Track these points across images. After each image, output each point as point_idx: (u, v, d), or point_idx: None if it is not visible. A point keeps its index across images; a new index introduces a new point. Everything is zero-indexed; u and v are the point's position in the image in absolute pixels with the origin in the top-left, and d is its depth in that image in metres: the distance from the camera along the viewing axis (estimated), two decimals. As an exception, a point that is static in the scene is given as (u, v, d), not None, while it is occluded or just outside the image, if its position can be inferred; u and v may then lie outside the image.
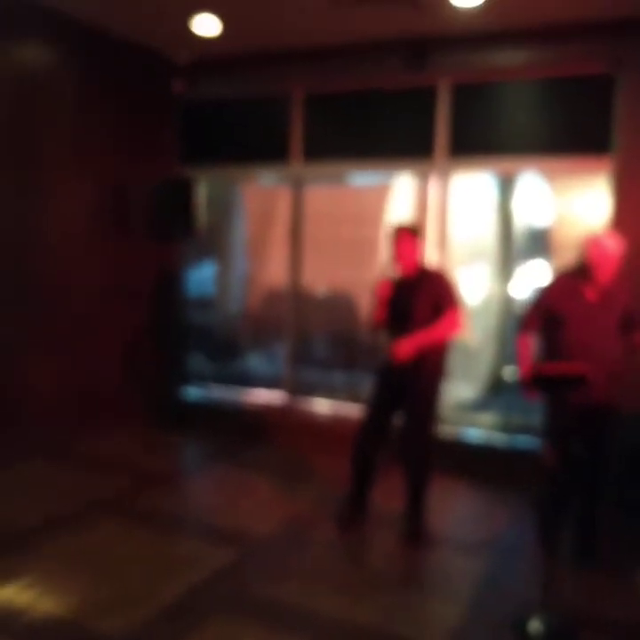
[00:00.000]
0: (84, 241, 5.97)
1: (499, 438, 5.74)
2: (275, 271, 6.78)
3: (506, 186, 6.29)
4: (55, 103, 5.68)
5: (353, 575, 3.90)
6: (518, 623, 3.32)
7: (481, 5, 4.81)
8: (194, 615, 3.34)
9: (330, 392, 6.49)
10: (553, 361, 4.00)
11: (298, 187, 6.49)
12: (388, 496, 4.68)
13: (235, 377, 7.05)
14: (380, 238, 6.26)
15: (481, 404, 6.24)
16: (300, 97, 6.33)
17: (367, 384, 4.55)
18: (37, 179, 5.56)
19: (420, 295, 4.24)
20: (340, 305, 6.57)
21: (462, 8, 4.89)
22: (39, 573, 3.65)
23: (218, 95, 6.68)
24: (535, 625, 3.27)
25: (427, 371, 4.30)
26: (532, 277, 6.00)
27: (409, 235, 4.32)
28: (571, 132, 5.37)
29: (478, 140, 5.68)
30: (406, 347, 4.16)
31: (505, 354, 6.20)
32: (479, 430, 5.87)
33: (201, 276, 7.37)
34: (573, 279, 4.04)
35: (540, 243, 6.12)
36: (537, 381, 3.76)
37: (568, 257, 4.45)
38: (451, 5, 4.84)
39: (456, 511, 5.04)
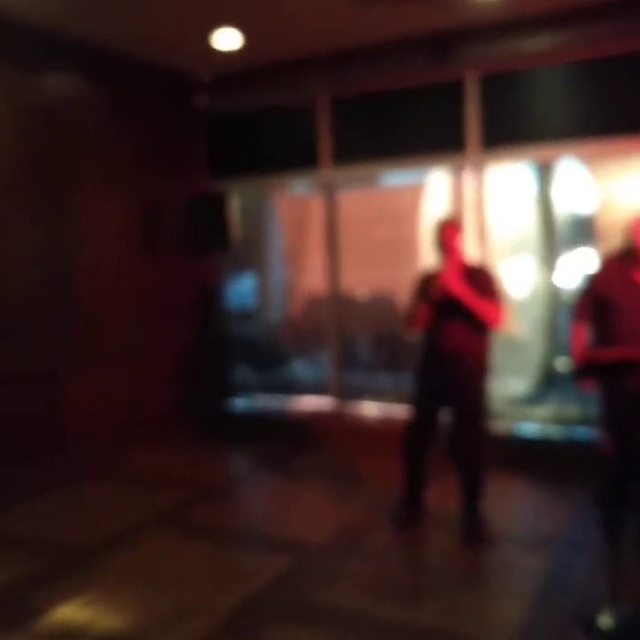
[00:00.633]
0: (122, 260, 6.06)
1: (555, 431, 5.61)
2: (313, 277, 6.77)
3: (544, 174, 6.17)
4: (84, 129, 5.80)
5: (412, 577, 3.85)
6: (587, 619, 3.20)
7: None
8: (255, 624, 3.30)
9: (377, 394, 6.43)
10: (605, 347, 3.89)
11: (330, 192, 6.47)
12: (443, 495, 4.59)
13: (281, 385, 7.05)
14: (417, 237, 6.20)
15: (535, 398, 6.11)
16: (325, 102, 6.32)
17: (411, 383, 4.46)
18: (72, 203, 5.69)
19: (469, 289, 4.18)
20: (380, 306, 6.53)
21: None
22: (99, 590, 3.66)
23: (243, 107, 6.72)
24: (605, 619, 3.15)
25: (471, 366, 4.23)
26: (578, 266, 5.86)
27: (455, 228, 4.27)
28: (606, 113, 5.26)
29: (511, 129, 5.60)
30: (453, 275, 4.07)
31: (556, 345, 6.06)
32: (534, 424, 5.75)
33: (241, 288, 7.40)
34: (620, 263, 3.94)
35: (583, 230, 5.98)
36: (589, 369, 3.66)
37: (614, 242, 4.32)
38: (471, -2, 4.79)
39: (515, 508, 4.92)
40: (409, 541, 4.33)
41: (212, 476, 5.68)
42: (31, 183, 5.42)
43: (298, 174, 6.59)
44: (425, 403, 4.36)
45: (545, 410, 5.89)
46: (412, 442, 4.39)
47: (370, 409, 6.37)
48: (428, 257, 4.35)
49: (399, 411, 5.84)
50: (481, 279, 4.21)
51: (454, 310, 4.14)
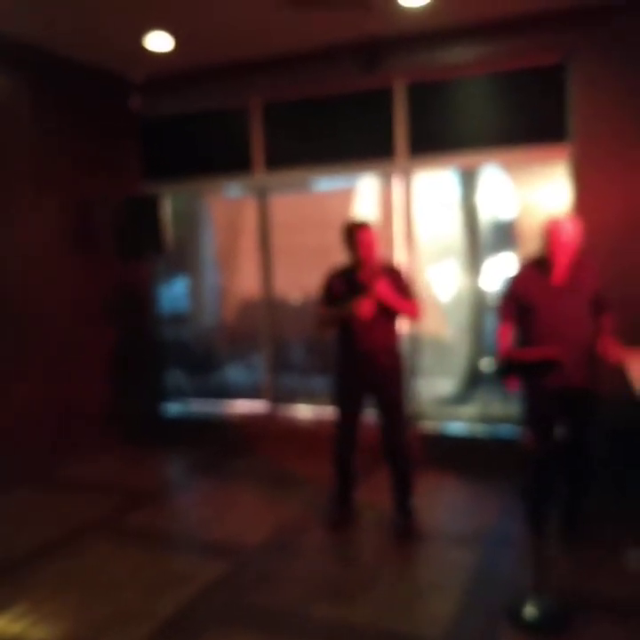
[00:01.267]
0: (51, 264, 5.92)
1: (480, 429, 5.81)
2: (247, 281, 6.80)
3: (468, 180, 6.36)
4: (13, 128, 5.65)
5: (346, 576, 3.92)
6: (513, 610, 3.36)
7: (428, 4, 4.87)
8: (193, 629, 3.34)
9: (310, 397, 6.51)
10: (527, 347, 4.07)
11: (263, 196, 6.51)
12: (372, 493, 4.72)
13: (215, 390, 7.05)
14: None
15: (461, 398, 6.31)
16: (258, 107, 6.35)
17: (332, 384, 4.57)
18: (1, 203, 5.53)
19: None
20: (313, 310, 6.58)
21: (410, 8, 4.94)
22: (32, 601, 3.63)
23: (177, 110, 6.68)
24: (530, 610, 3.31)
25: (390, 362, 4.39)
26: (501, 269, 6.08)
27: (371, 230, 4.33)
28: (527, 122, 5.46)
29: (437, 137, 5.75)
30: (368, 304, 4.16)
31: (481, 346, 6.26)
32: (461, 423, 5.95)
33: (174, 292, 7.36)
34: (537, 266, 4.13)
35: (505, 234, 6.20)
36: (511, 368, 3.83)
37: (533, 246, 4.53)
38: (399, 5, 4.89)
39: (444, 504, 5.07)
40: (342, 541, 4.42)
41: (146, 481, 5.66)
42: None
43: (231, 178, 6.60)
44: (348, 403, 4.45)
45: (470, 409, 6.08)
46: (342, 443, 4.48)
47: (304, 412, 6.45)
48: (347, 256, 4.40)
49: (332, 413, 5.95)
50: (396, 278, 4.34)
51: (377, 312, 4.26)
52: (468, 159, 5.75)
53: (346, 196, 6.45)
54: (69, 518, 4.80)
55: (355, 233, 4.30)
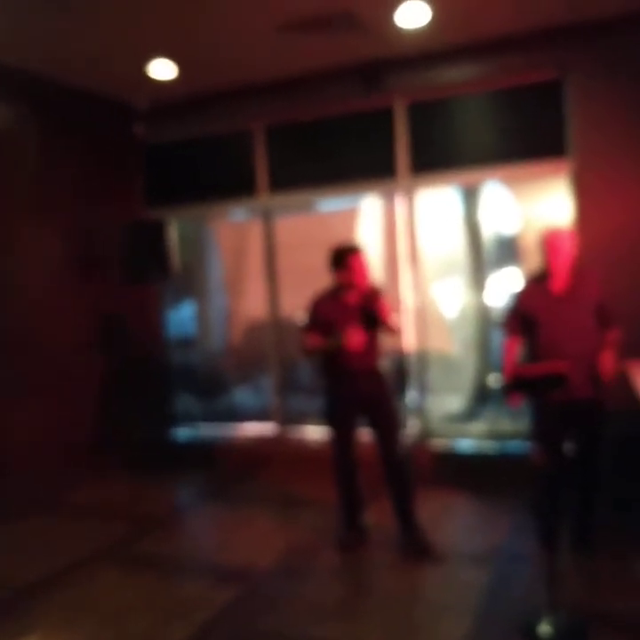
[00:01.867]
0: (54, 292, 5.96)
1: (489, 446, 5.78)
2: (253, 304, 6.82)
3: (470, 197, 6.39)
4: (17, 155, 5.73)
5: (357, 599, 3.90)
6: (527, 629, 3.32)
7: (426, 25, 4.93)
8: (202, 656, 3.32)
9: (319, 419, 6.46)
10: (533, 362, 4.06)
11: (267, 219, 6.56)
12: (382, 515, 4.68)
13: (223, 413, 7.05)
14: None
15: (469, 415, 6.28)
16: (260, 130, 6.42)
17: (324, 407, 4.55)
18: (5, 230, 5.59)
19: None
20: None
21: (408, 29, 5.00)
22: (45, 628, 3.64)
23: (180, 135, 6.76)
24: (544, 628, 3.28)
25: (380, 379, 4.43)
26: (505, 284, 6.08)
27: (362, 254, 4.35)
28: (527, 138, 5.50)
29: (438, 155, 5.79)
30: (358, 334, 4.17)
31: (488, 362, 6.24)
32: (470, 440, 5.92)
33: (181, 316, 7.39)
34: (539, 279, 4.17)
35: (509, 249, 6.21)
36: (517, 384, 3.82)
37: (536, 261, 4.53)
38: (397, 27, 4.95)
39: (455, 523, 5.03)
40: (354, 563, 4.39)
41: (155, 507, 5.65)
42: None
43: (235, 201, 6.65)
44: (344, 424, 4.45)
45: (479, 426, 6.06)
46: (341, 463, 4.48)
47: (312, 433, 6.43)
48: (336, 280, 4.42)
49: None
50: (376, 295, 4.33)
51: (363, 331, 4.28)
52: (469, 176, 5.78)
53: (350, 216, 6.48)
54: (78, 545, 4.79)
55: (347, 258, 4.31)
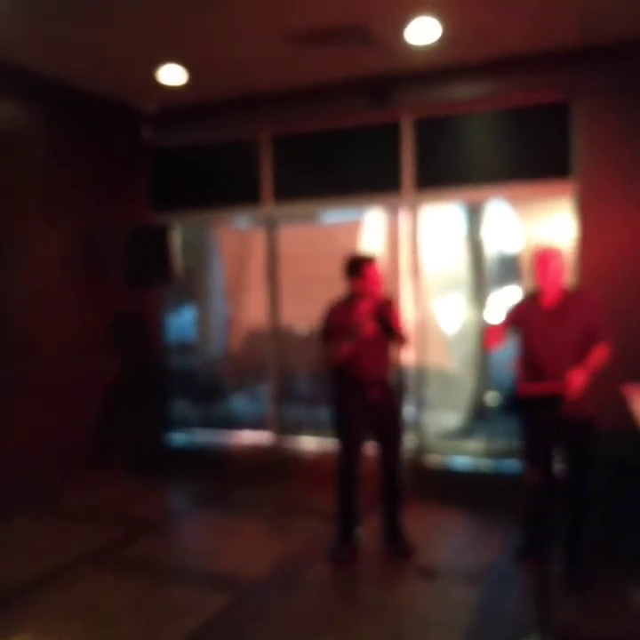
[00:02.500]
0: (58, 293, 5.97)
1: (485, 464, 5.79)
2: (254, 312, 6.83)
3: (474, 215, 6.42)
4: (24, 156, 5.74)
5: (348, 612, 3.89)
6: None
7: (435, 42, 4.96)
8: (190, 663, 3.32)
9: (316, 429, 6.50)
10: (526, 372, 4.14)
11: (271, 227, 6.58)
12: (375, 529, 4.68)
13: (220, 420, 7.06)
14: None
15: (466, 432, 6.29)
16: (267, 139, 6.45)
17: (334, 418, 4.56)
18: (10, 231, 5.59)
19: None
20: (317, 346, 6.60)
21: (418, 46, 5.03)
22: (34, 630, 3.64)
23: (187, 141, 6.79)
24: (533, 648, 3.29)
25: (391, 391, 4.52)
26: (506, 302, 6.10)
27: (377, 264, 4.43)
28: (532, 158, 5.53)
29: (443, 171, 5.81)
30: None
31: (486, 380, 6.25)
32: (465, 458, 5.92)
33: (181, 321, 7.41)
34: (534, 295, 4.27)
35: (510, 268, 6.24)
36: (516, 403, 3.90)
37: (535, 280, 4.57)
38: (406, 43, 4.99)
39: (449, 540, 5.03)
40: (346, 576, 4.39)
41: (149, 511, 5.65)
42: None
43: (240, 209, 6.67)
44: (353, 436, 4.47)
45: (475, 443, 6.06)
46: (346, 476, 4.48)
47: (309, 444, 6.44)
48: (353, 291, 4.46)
49: (335, 446, 5.93)
50: (390, 304, 4.45)
51: (374, 341, 4.33)
52: (473, 194, 5.80)
53: (353, 228, 6.50)
54: (70, 547, 4.79)
55: (363, 266, 4.38)
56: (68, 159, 6.11)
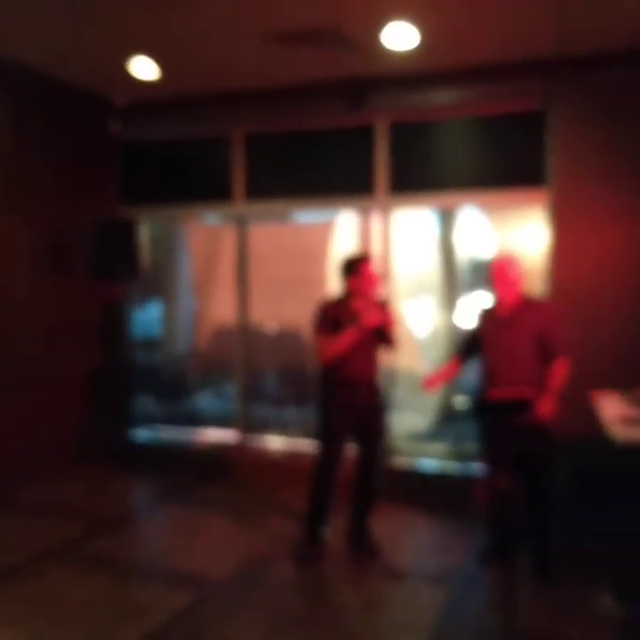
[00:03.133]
0: (24, 286, 5.85)
1: (452, 467, 5.81)
2: (222, 309, 6.77)
3: (447, 220, 6.46)
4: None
5: (312, 612, 3.87)
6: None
7: (413, 48, 4.98)
8: (153, 661, 3.26)
9: (282, 428, 6.47)
10: (484, 379, 4.21)
11: (241, 225, 6.53)
12: (341, 529, 4.66)
13: (185, 417, 6.98)
14: (325, 275, 6.32)
15: (433, 434, 6.32)
16: (240, 137, 6.39)
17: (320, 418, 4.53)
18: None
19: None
20: (288, 340, 6.58)
21: (395, 51, 5.03)
22: (-11, 628, 3.53)
23: (159, 136, 6.70)
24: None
25: (379, 393, 4.54)
26: (476, 308, 6.15)
27: (372, 263, 4.49)
28: (506, 166, 5.57)
29: (417, 176, 5.83)
30: (375, 313, 4.24)
31: (454, 383, 6.29)
32: (432, 460, 5.94)
33: (147, 317, 7.30)
34: (494, 305, 4.32)
35: (481, 274, 6.29)
36: (483, 408, 3.96)
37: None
38: (384, 47, 4.99)
39: (415, 542, 5.03)
40: (310, 576, 4.36)
41: (112, 507, 5.57)
42: None
43: (210, 206, 6.61)
44: (336, 439, 4.44)
45: (442, 446, 6.09)
46: (325, 479, 4.44)
47: (275, 443, 6.40)
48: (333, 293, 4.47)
49: (304, 445, 5.91)
50: (383, 307, 4.47)
51: (364, 342, 4.33)
52: (446, 199, 5.84)
53: (325, 229, 6.49)
54: (32, 543, 4.69)
55: (359, 265, 4.41)
56: (34, 147, 5.96)
